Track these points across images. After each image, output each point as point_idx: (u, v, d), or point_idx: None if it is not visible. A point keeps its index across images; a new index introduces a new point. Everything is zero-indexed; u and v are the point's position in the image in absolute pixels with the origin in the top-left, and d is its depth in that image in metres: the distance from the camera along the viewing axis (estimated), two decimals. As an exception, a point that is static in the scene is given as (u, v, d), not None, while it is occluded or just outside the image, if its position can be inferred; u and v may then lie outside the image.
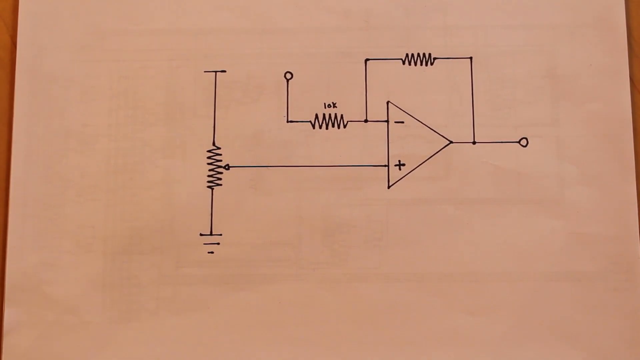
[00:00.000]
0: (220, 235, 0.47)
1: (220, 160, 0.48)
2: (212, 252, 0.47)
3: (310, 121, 0.48)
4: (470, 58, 0.48)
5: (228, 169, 0.48)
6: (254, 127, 0.48)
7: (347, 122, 0.48)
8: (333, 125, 0.48)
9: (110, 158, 0.48)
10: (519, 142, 0.48)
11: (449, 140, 0.48)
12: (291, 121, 0.48)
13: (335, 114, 0.48)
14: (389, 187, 0.47)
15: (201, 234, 0.47)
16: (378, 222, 0.47)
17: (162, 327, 0.46)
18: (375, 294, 0.46)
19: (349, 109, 0.48)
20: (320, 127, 0.48)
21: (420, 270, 0.47)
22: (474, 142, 0.48)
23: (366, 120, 0.48)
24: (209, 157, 0.48)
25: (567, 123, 0.48)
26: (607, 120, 0.48)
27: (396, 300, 0.46)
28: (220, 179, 0.48)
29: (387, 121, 0.48)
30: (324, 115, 0.48)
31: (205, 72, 0.49)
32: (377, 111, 0.48)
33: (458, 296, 0.46)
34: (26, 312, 0.47)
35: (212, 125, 0.48)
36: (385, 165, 0.48)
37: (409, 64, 0.48)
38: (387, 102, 0.48)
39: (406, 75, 0.48)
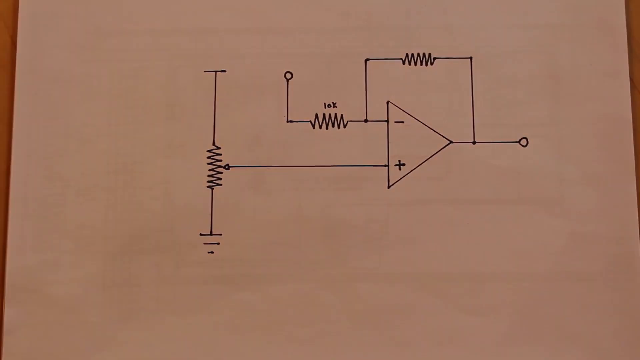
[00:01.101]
0: (220, 235, 0.47)
1: (220, 160, 0.48)
2: (212, 252, 0.47)
3: (310, 121, 0.48)
4: (470, 58, 0.48)
5: (228, 169, 0.48)
6: (254, 127, 0.48)
7: (347, 122, 0.48)
8: (333, 125, 0.48)
9: (110, 158, 0.48)
10: (519, 142, 0.48)
11: (449, 140, 0.48)
12: (291, 121, 0.48)
13: (335, 114, 0.48)
14: (389, 187, 0.47)
15: (201, 234, 0.47)
16: (378, 222, 0.47)
17: (162, 327, 0.46)
18: (375, 294, 0.46)
19: (349, 109, 0.48)
20: (320, 127, 0.48)
21: (420, 270, 0.47)
22: (474, 142, 0.48)
23: (366, 120, 0.48)
24: (209, 157, 0.48)
25: (567, 123, 0.48)
26: (607, 120, 0.48)
27: (396, 300, 0.46)
28: (220, 179, 0.48)
29: (387, 121, 0.48)
30: (324, 115, 0.48)
31: (205, 72, 0.49)
32: (377, 111, 0.48)
33: (458, 296, 0.46)
34: (26, 312, 0.47)
35: (212, 125, 0.48)
36: (385, 165, 0.48)
37: (409, 64, 0.48)
38: (387, 102, 0.48)
39: (406, 75, 0.48)
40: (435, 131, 0.48)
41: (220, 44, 0.49)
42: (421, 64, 0.48)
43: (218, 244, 0.47)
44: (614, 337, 0.46)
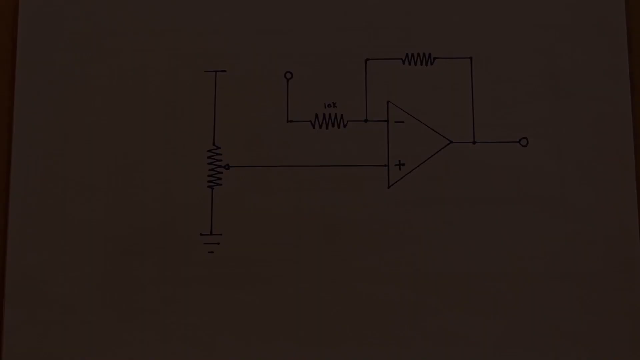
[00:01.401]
0: (220, 235, 0.47)
1: (220, 160, 0.48)
2: (212, 252, 0.47)
3: (310, 121, 0.48)
4: (470, 58, 0.48)
5: (228, 168, 0.48)
6: (254, 127, 0.48)
7: (347, 121, 0.48)
8: (333, 125, 0.48)
9: (110, 158, 0.48)
10: (519, 142, 0.48)
11: (449, 140, 0.48)
12: (291, 121, 0.48)
13: (335, 114, 0.48)
14: (389, 187, 0.47)
15: (201, 234, 0.47)
16: (378, 222, 0.47)
17: (162, 327, 0.46)
18: (375, 294, 0.46)
19: (349, 108, 0.48)
20: (320, 127, 0.48)
21: (420, 270, 0.47)
22: (474, 142, 0.48)
23: (366, 120, 0.48)
24: (209, 157, 0.48)
25: (567, 123, 0.48)
26: (607, 120, 0.48)
27: (396, 300, 0.46)
28: (220, 179, 0.48)
29: (387, 121, 0.48)
30: (324, 115, 0.48)
31: (205, 72, 0.49)
32: (377, 111, 0.48)
33: (458, 296, 0.46)
34: (26, 312, 0.47)
35: (212, 125, 0.48)
36: (385, 165, 0.48)
37: (409, 63, 0.48)
38: (387, 102, 0.48)
39: (406, 75, 0.48)
40: (435, 131, 0.48)
41: (220, 44, 0.49)
42: (421, 64, 0.48)
43: (218, 244, 0.47)
44: (614, 337, 0.46)
